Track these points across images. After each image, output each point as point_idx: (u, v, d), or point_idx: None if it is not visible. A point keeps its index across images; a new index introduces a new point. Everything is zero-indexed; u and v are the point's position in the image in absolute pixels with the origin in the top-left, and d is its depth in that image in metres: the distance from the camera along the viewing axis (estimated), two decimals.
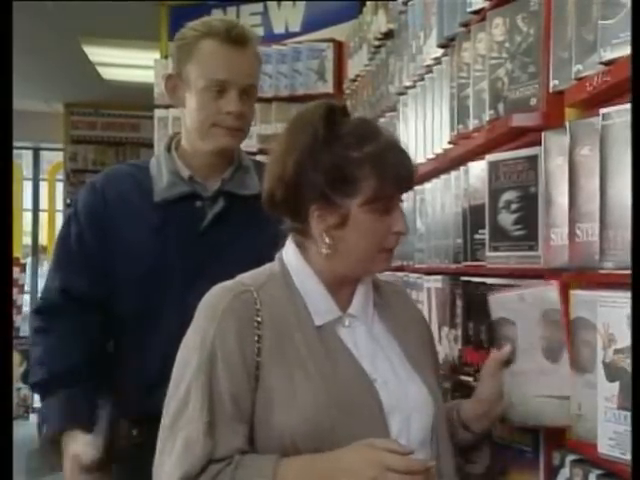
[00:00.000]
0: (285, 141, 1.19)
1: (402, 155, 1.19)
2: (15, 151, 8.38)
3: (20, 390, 7.03)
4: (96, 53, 5.73)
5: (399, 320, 1.29)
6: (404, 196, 1.23)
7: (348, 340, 1.19)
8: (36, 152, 8.54)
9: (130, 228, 1.59)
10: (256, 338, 1.13)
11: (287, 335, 1.15)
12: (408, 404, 1.18)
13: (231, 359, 1.11)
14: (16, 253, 7.26)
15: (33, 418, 7.09)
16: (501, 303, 1.37)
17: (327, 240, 1.16)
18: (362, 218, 1.15)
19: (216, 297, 1.18)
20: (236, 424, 1.10)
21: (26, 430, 6.68)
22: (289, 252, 1.23)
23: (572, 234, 1.24)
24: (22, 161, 8.64)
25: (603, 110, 1.14)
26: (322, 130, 1.15)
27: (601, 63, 1.16)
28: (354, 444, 1.08)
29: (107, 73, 6.24)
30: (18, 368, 6.92)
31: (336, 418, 1.10)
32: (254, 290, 1.17)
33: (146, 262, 1.57)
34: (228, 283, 1.20)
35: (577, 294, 1.24)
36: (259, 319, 1.14)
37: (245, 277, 1.22)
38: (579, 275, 1.25)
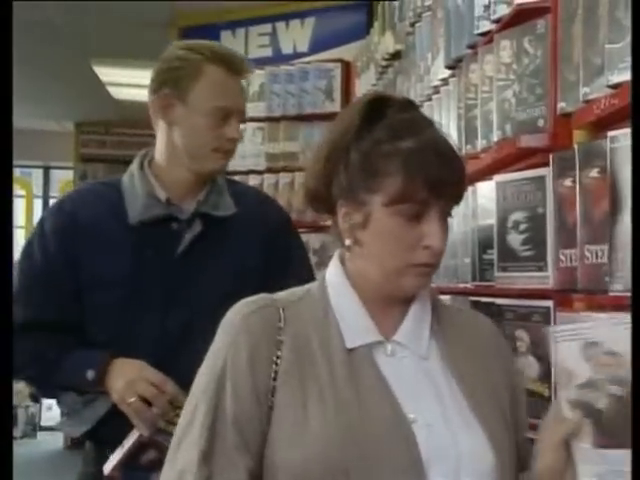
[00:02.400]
0: (325, 134, 1.12)
1: (443, 157, 1.02)
2: (26, 169, 8.45)
3: (28, 408, 7.01)
4: (106, 73, 5.78)
5: (463, 352, 1.07)
6: None
7: (388, 371, 1.01)
8: (46, 170, 8.61)
9: (104, 252, 1.54)
10: (275, 359, 1.00)
11: (309, 358, 1.00)
12: (459, 451, 0.97)
13: (240, 381, 0.99)
14: None
15: (41, 436, 7.08)
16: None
17: (348, 241, 1.05)
18: (385, 220, 1.01)
19: (234, 311, 1.05)
20: (237, 455, 0.98)
21: (34, 448, 6.67)
22: (331, 269, 1.09)
23: (581, 256, 1.24)
24: (32, 179, 8.71)
25: (611, 133, 1.15)
26: (357, 122, 1.05)
27: (608, 86, 1.17)
28: None
29: (117, 93, 6.29)
30: (26, 386, 6.92)
31: (353, 459, 0.93)
32: (281, 306, 1.04)
33: (121, 288, 1.52)
34: (254, 297, 1.06)
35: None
36: (281, 338, 1.01)
37: (279, 293, 1.09)
38: (588, 297, 1.25)
